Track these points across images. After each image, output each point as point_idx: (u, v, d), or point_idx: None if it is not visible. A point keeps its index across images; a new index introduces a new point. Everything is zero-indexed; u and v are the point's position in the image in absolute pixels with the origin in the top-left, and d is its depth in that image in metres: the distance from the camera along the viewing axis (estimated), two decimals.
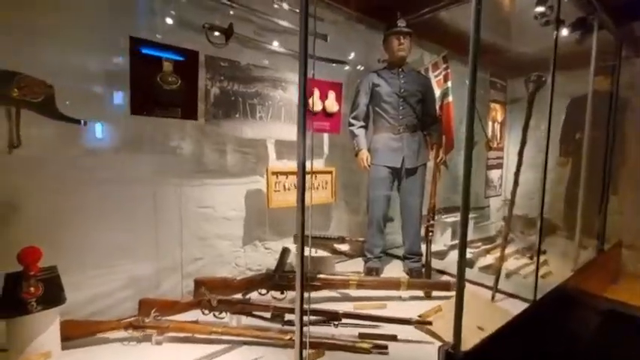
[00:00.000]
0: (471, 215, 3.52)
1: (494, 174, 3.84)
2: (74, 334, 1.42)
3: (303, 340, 0.97)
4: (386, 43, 2.29)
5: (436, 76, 3.06)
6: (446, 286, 1.97)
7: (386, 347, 1.47)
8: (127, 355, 1.41)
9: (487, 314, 1.79)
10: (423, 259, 2.27)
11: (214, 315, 1.62)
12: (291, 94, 2.16)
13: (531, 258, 2.62)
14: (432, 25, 2.75)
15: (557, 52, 2.04)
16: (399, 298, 2.00)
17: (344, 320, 1.58)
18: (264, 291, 1.84)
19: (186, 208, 1.95)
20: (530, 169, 3.02)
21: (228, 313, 1.61)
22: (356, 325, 1.58)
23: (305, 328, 1.02)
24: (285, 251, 1.86)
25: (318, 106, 2.28)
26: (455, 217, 3.28)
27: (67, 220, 1.54)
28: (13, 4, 1.28)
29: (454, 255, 2.98)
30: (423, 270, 2.25)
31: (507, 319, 1.75)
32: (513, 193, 1.99)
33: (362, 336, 1.56)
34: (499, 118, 3.98)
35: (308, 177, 2.35)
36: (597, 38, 2.68)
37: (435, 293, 2.04)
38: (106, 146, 1.64)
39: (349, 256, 1.97)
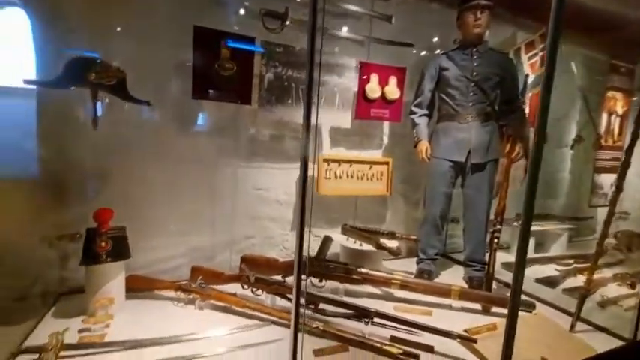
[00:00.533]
0: (565, 226, 2.94)
1: (604, 179, 3.12)
2: (137, 286, 1.65)
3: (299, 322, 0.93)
4: (460, 19, 2.02)
5: (530, 58, 2.61)
6: (505, 303, 1.68)
7: (417, 357, 1.33)
8: (172, 313, 1.58)
9: (559, 345, 1.47)
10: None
11: (252, 291, 1.69)
12: (347, 80, 2.09)
13: (633, 286, 2.06)
14: None
15: None
16: (449, 307, 1.79)
17: (376, 320, 1.48)
18: (303, 276, 1.85)
19: (242, 189, 2.07)
20: None
21: (265, 292, 1.67)
22: (390, 327, 1.47)
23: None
24: (326, 239, 1.83)
25: (376, 93, 2.15)
26: (540, 226, 2.79)
27: (140, 190, 1.79)
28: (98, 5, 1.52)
29: (532, 270, 2.54)
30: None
31: (585, 356, 1.41)
32: (613, 201, 1.58)
33: (394, 339, 1.45)
34: (619, 109, 3.21)
35: (361, 167, 2.26)
36: None
37: (496, 309, 1.76)
38: (170, 128, 1.84)
39: (394, 254, 1.83)
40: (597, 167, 3.06)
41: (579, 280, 2.27)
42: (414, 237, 2.10)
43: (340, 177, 2.21)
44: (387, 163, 2.32)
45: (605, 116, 3.06)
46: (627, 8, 2.46)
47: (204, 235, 2.01)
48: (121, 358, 1.26)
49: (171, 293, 1.68)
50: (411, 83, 2.27)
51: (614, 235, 3.23)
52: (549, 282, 2.20)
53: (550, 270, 2.43)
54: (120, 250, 1.54)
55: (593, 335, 1.61)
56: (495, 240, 1.82)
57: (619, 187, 1.55)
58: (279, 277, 1.77)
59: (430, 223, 2.09)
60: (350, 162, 2.23)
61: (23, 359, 1.20)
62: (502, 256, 2.77)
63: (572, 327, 1.63)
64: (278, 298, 1.66)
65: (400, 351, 1.33)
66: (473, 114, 1.94)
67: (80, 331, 1.37)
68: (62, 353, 1.20)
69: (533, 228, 2.48)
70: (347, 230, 2.18)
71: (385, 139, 2.50)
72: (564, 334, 1.56)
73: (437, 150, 2.04)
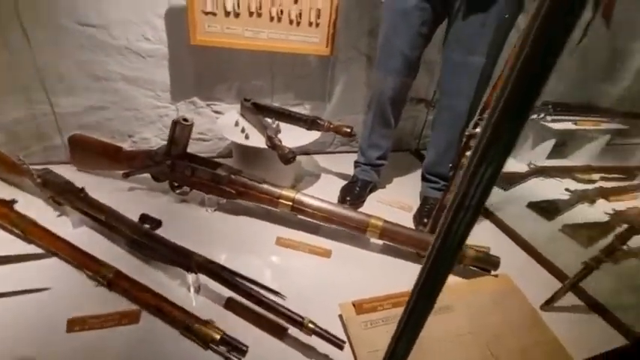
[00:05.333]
0: (609, 126, 1.97)
1: None
2: None
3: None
4: None
5: None
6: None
7: (242, 352, 0.76)
8: None
9: (505, 338, 0.87)
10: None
11: (51, 197, 1.08)
12: None
13: None
14: None
15: None
16: (368, 247, 1.16)
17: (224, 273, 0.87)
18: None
19: (54, 22, 1.19)
20: None
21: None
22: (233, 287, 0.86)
23: None
24: (177, 124, 1.07)
25: None
26: (573, 124, 1.86)
27: None
28: None
29: (535, 186, 1.78)
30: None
31: None
32: None
33: (229, 306, 0.87)
34: None
35: None
36: None
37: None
38: None
39: (284, 160, 1.06)
40: None
41: (597, 210, 1.53)
42: (348, 128, 1.28)
43: (236, 14, 1.24)
44: None
45: None
46: None
47: (14, 99, 1.28)
48: None
49: None
50: None
51: None
52: (549, 210, 1.47)
53: (561, 189, 1.67)
54: None
55: (579, 319, 0.99)
56: (468, 151, 1.00)
57: None
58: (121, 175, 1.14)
59: (375, 107, 1.23)
60: None
61: None
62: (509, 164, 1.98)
63: (549, 302, 0.99)
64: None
65: (217, 337, 0.76)
66: None
67: None
68: None
69: (558, 126, 1.59)
70: (245, 109, 1.37)
71: None
72: (527, 316, 0.93)
73: None
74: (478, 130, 0.96)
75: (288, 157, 1.05)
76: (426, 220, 1.23)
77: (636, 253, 1.21)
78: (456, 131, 1.15)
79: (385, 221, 1.06)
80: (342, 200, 1.33)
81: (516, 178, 1.71)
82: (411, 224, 1.29)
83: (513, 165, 1.90)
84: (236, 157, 1.35)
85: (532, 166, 1.84)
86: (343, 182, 1.47)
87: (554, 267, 1.15)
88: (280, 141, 1.11)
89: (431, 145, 1.28)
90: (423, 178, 1.36)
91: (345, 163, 1.62)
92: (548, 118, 1.79)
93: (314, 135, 1.30)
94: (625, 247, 1.21)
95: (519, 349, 0.84)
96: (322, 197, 1.12)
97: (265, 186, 1.11)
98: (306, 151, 1.77)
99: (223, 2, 1.21)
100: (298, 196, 1.08)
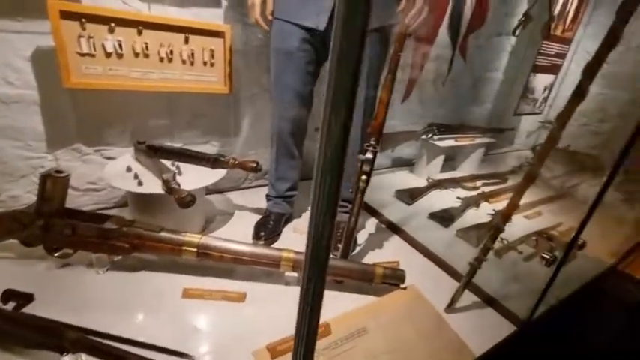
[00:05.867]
0: (482, 140, 2.36)
1: (540, 80, 2.50)
2: None
3: None
4: None
5: None
6: (368, 274, 1.06)
7: None
8: None
9: (420, 346, 0.91)
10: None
11: None
12: None
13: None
14: None
15: None
16: (284, 281, 1.13)
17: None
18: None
19: None
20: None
21: None
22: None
23: None
24: (48, 178, 0.93)
25: None
26: (454, 141, 2.17)
27: None
28: None
29: (434, 198, 2.00)
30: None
31: None
32: (570, 107, 0.84)
33: None
34: None
35: (165, 37, 1.23)
36: None
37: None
38: None
39: (182, 204, 1.00)
40: (537, 65, 2.39)
41: (482, 212, 1.77)
42: (253, 163, 1.27)
43: (119, 54, 1.17)
44: (221, 35, 1.31)
45: None
46: None
47: None
48: None
49: None
50: None
51: (532, 148, 2.84)
52: (445, 218, 1.65)
53: (453, 197, 1.89)
54: None
55: (477, 315, 1.10)
56: (363, 175, 1.07)
57: (579, 93, 0.80)
58: None
59: (278, 142, 1.26)
60: (138, 24, 1.17)
61: None
62: (404, 179, 2.17)
63: (450, 304, 1.08)
64: None
65: None
66: None
67: None
68: None
69: (444, 143, 1.82)
70: (139, 153, 1.27)
71: None
72: (433, 322, 1.00)
73: (279, 5, 1.06)
74: (369, 155, 1.05)
75: (186, 200, 0.99)
76: (339, 245, 1.27)
77: (513, 246, 1.43)
78: (352, 157, 1.24)
79: (296, 252, 1.05)
80: (256, 236, 1.29)
81: (418, 193, 1.89)
82: None
83: (415, 181, 2.12)
84: (132, 207, 1.22)
85: (430, 180, 2.07)
86: (258, 217, 1.44)
87: (454, 270, 1.28)
88: (178, 184, 1.05)
89: None
90: None
91: (261, 198, 1.59)
92: (435, 137, 2.06)
93: (219, 174, 1.25)
94: (505, 242, 1.40)
95: (429, 355, 0.89)
96: (236, 236, 1.08)
97: (164, 234, 1.01)
98: (218, 189, 1.70)
99: (102, 44, 1.13)
100: (203, 240, 1.02)
